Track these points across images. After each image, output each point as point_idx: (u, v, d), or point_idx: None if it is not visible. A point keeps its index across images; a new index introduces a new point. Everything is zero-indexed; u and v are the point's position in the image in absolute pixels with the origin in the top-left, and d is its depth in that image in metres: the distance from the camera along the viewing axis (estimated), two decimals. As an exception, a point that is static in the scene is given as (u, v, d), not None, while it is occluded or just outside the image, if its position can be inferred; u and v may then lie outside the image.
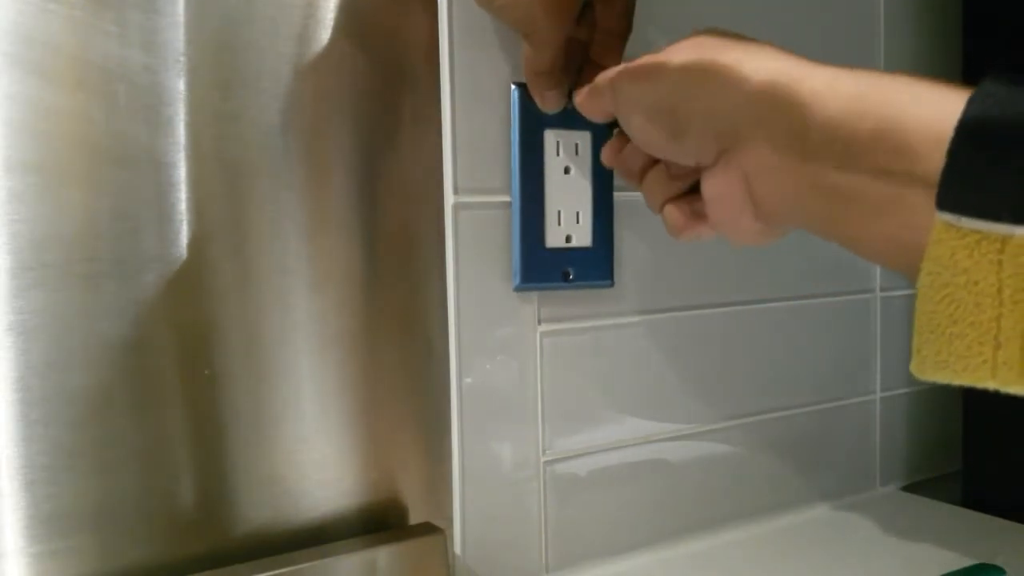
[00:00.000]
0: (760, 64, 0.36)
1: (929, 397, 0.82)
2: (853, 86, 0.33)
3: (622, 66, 0.44)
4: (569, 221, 0.57)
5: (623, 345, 0.61)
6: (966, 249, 0.28)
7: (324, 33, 0.48)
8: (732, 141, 0.37)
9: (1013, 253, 0.27)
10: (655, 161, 0.46)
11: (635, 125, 0.43)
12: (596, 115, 0.49)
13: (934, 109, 0.30)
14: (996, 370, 0.28)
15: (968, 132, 0.29)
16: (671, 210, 0.46)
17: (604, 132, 0.58)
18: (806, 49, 0.37)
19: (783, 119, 0.35)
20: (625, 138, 0.47)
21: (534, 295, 0.57)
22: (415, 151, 0.52)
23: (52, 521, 0.42)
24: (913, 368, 0.31)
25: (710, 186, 0.40)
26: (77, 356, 0.42)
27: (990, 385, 0.29)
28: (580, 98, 0.49)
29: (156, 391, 0.44)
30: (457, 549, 0.54)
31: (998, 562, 0.60)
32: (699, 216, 0.44)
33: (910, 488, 0.80)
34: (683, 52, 0.40)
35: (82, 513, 0.42)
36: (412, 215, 0.52)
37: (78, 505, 0.42)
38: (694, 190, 0.44)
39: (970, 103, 0.29)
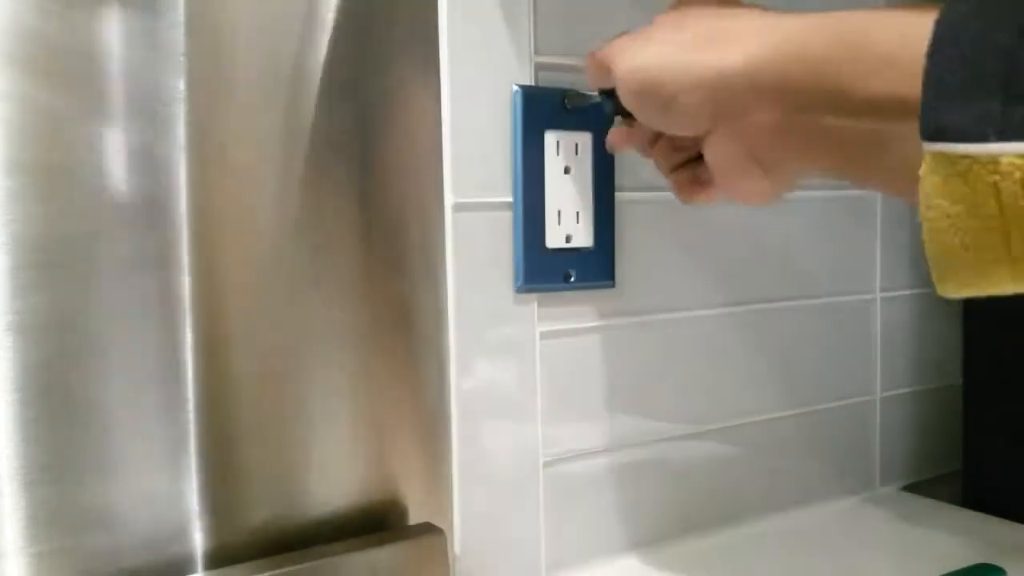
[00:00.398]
0: (740, 27, 0.36)
1: (929, 397, 0.82)
2: (831, 29, 0.33)
3: (616, 44, 0.44)
4: (569, 221, 0.57)
5: (622, 346, 0.61)
6: (959, 177, 0.28)
7: (324, 33, 0.48)
8: (725, 107, 0.38)
9: (1007, 172, 0.27)
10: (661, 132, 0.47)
11: (631, 102, 0.43)
12: (598, 86, 0.49)
13: (907, 38, 0.30)
14: (1018, 281, 0.28)
15: (940, 55, 0.28)
16: (676, 177, 0.47)
17: (604, 133, 0.58)
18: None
19: (769, 80, 0.35)
20: (632, 118, 0.48)
21: (533, 295, 0.57)
22: (415, 151, 0.52)
23: (52, 521, 0.42)
24: (940, 292, 0.31)
25: (712, 152, 0.41)
26: (76, 356, 0.42)
27: (1020, 290, 0.29)
28: (586, 64, 0.49)
29: (155, 391, 0.44)
30: (457, 549, 0.54)
31: (998, 562, 0.60)
32: (703, 182, 0.45)
33: (910, 488, 0.80)
34: (664, 28, 0.40)
35: (82, 513, 0.42)
36: (412, 215, 0.52)
37: (78, 505, 0.42)
38: (699, 158, 0.45)
39: (937, 25, 0.28)
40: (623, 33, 0.46)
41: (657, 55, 0.39)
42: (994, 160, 0.27)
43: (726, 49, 0.36)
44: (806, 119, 0.34)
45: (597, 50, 0.46)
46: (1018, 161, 0.26)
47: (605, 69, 0.44)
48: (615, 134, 0.52)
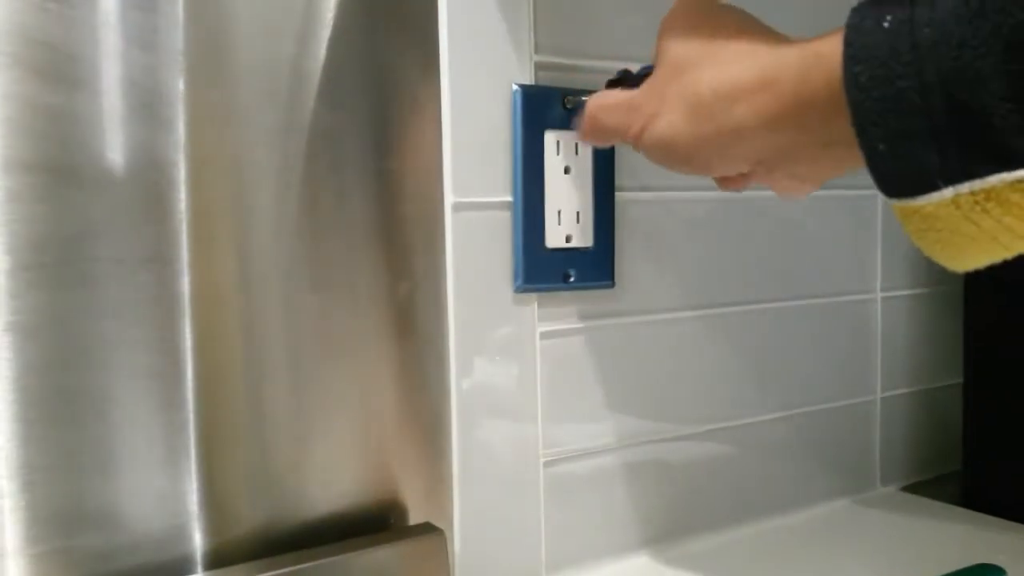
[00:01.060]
0: (738, 75, 0.37)
1: (929, 397, 0.82)
2: (815, 65, 0.33)
3: (621, 111, 0.43)
4: (569, 221, 0.57)
5: (622, 345, 0.61)
6: (931, 216, 0.30)
7: (324, 32, 0.48)
8: (759, 156, 0.39)
9: (968, 206, 0.29)
10: None
11: (668, 168, 0.43)
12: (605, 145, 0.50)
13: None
14: (1014, 251, 0.31)
15: (868, 120, 0.30)
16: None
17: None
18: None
19: (791, 130, 0.36)
20: None
21: (533, 295, 0.57)
22: (415, 151, 0.52)
23: (52, 521, 0.42)
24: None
25: (756, 177, 0.43)
26: (76, 356, 0.42)
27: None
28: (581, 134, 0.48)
29: (155, 391, 0.44)
30: (457, 549, 0.54)
31: (998, 562, 0.60)
32: (737, 179, 0.46)
33: (910, 488, 0.80)
34: (668, 86, 0.40)
35: (82, 513, 0.42)
36: (412, 215, 0.52)
37: (78, 505, 0.42)
38: None
39: (849, 92, 0.30)
40: (614, 87, 0.46)
41: (680, 128, 0.40)
42: (955, 201, 0.29)
43: (734, 108, 0.37)
44: (831, 147, 0.35)
45: (588, 111, 0.45)
46: (972, 197, 0.29)
47: (615, 136, 0.44)
48: None
